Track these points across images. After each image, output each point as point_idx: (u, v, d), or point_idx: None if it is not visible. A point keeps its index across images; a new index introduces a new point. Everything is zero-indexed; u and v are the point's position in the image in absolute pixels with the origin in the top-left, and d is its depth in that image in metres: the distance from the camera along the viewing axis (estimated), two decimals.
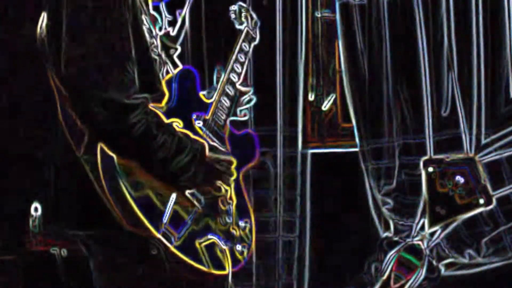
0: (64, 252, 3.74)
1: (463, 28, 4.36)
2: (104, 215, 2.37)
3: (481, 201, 4.27)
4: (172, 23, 2.90)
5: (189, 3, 4.28)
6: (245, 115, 2.93)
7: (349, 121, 4.49)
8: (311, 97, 4.52)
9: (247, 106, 2.94)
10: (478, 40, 4.34)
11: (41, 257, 3.88)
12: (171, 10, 2.94)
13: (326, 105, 4.51)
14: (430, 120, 4.38)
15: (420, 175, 4.34)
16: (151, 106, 2.39)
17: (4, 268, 3.99)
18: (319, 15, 4.51)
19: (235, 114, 2.87)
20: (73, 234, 2.54)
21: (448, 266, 4.34)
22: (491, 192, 4.28)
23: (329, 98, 4.51)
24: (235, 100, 2.86)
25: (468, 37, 4.34)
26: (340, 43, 4.48)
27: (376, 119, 4.44)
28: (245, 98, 2.92)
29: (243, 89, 2.91)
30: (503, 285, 4.31)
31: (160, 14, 2.79)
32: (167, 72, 2.62)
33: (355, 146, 4.47)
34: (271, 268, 4.44)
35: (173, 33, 2.83)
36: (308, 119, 4.53)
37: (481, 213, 4.29)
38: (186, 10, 4.25)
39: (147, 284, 2.44)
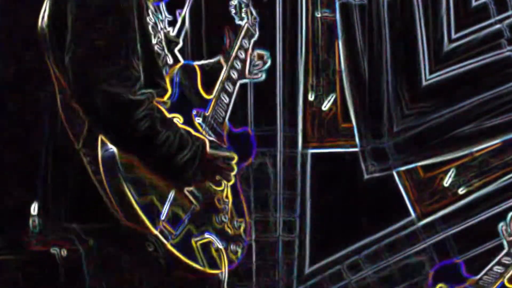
0: (64, 252, 3.73)
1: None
2: (101, 209, 2.37)
3: None
4: (172, 23, 2.89)
5: (189, 3, 4.27)
6: (259, 76, 3.01)
7: (349, 121, 4.49)
8: (311, 97, 4.51)
9: (264, 67, 2.97)
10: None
11: (41, 257, 3.87)
12: (171, 10, 2.94)
13: (326, 105, 4.51)
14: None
15: None
16: (155, 101, 2.39)
17: (4, 268, 3.99)
18: (319, 15, 4.51)
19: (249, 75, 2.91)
20: (67, 228, 2.53)
21: None
22: None
23: (329, 98, 4.51)
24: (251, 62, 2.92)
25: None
26: (340, 43, 4.48)
27: (376, 119, 4.44)
28: (260, 62, 2.96)
29: (259, 52, 2.93)
30: None
31: (160, 14, 2.79)
32: (170, 67, 2.63)
33: (355, 146, 4.47)
34: (271, 268, 4.44)
35: (173, 33, 2.84)
36: (308, 119, 4.53)
37: None
38: (186, 10, 4.25)
39: (144, 280, 2.44)
